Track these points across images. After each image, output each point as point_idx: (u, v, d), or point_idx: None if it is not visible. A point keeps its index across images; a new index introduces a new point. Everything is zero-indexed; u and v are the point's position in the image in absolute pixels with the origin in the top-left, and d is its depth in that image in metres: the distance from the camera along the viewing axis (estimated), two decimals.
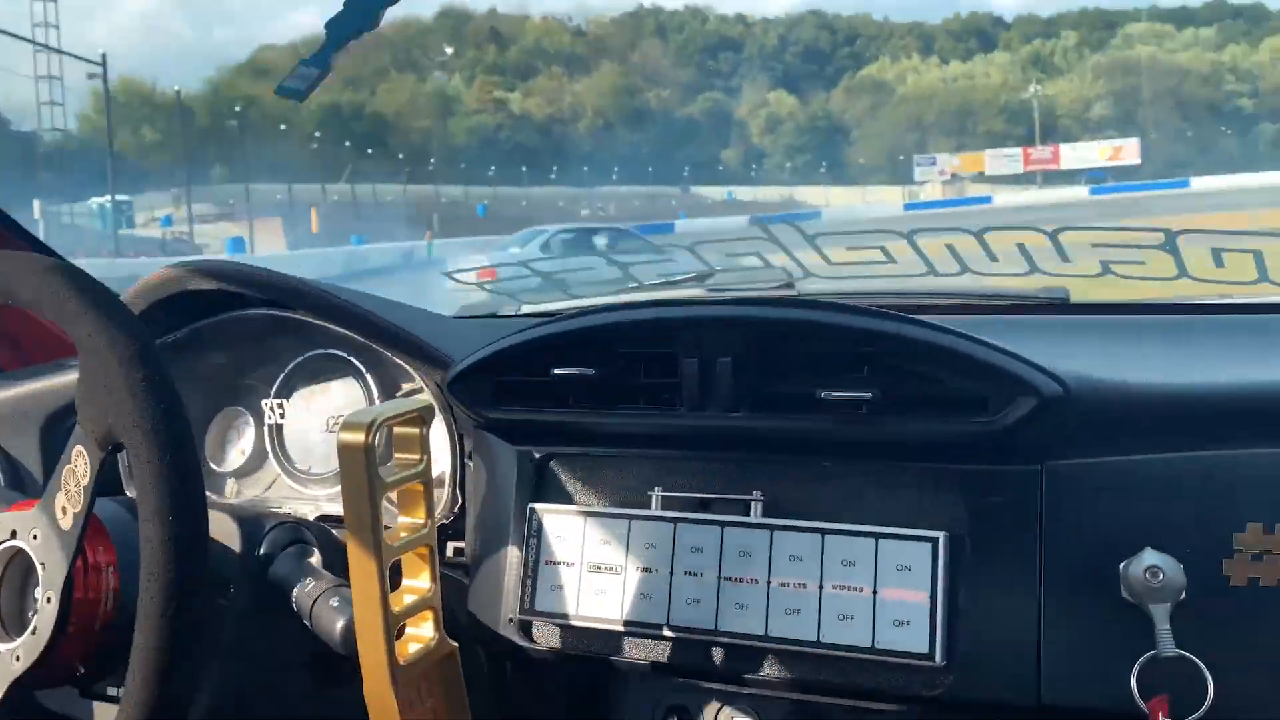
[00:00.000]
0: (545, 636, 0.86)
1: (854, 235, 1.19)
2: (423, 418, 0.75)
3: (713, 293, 1.32)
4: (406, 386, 1.08)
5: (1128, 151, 75.40)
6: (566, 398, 0.89)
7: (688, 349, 0.84)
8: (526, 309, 1.37)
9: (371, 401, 1.11)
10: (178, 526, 0.68)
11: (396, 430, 0.75)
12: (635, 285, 1.37)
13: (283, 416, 1.15)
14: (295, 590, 0.85)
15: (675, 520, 0.83)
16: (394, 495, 0.75)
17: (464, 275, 1.40)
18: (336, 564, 0.90)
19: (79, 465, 0.73)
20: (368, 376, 1.11)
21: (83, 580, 0.77)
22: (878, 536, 0.77)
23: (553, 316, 0.95)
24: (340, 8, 0.63)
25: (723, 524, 0.81)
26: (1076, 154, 78.93)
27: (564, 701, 1.00)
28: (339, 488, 1.09)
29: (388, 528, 0.72)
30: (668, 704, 0.93)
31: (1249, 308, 1.06)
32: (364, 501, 0.70)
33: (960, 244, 1.18)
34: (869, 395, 0.78)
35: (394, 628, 0.72)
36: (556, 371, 0.88)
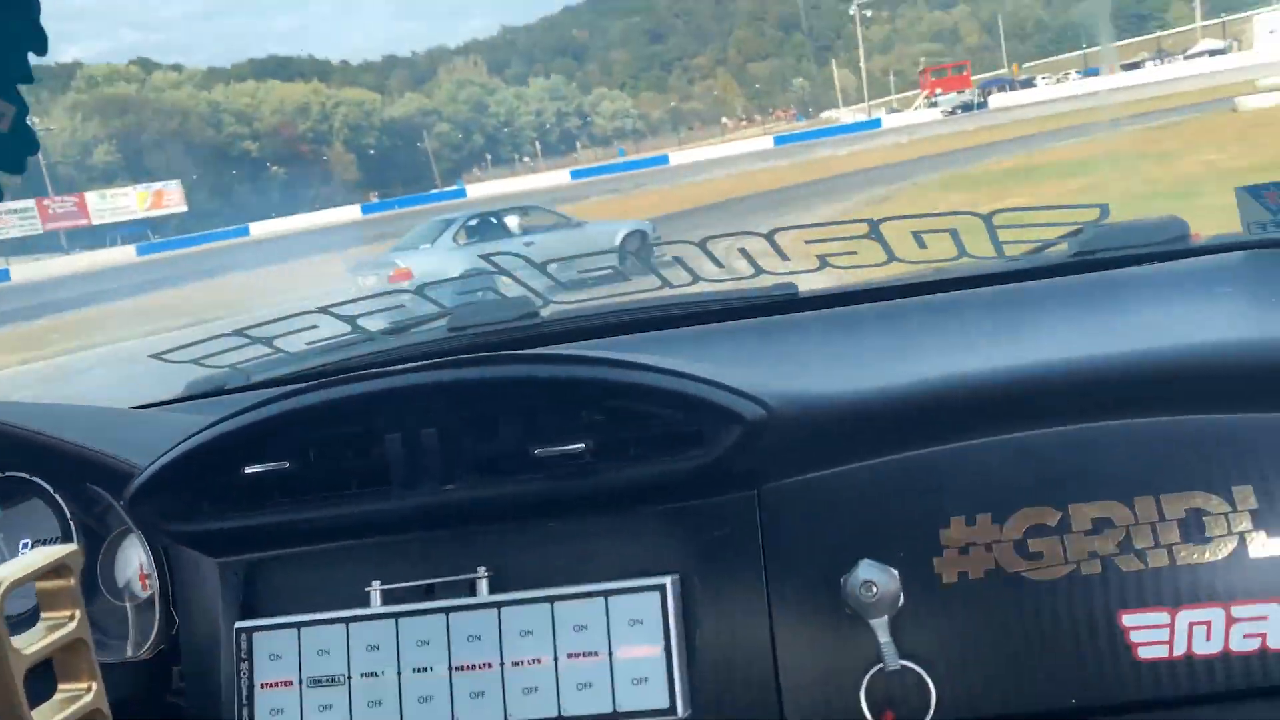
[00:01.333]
0: None
1: (583, 258, 1.16)
2: (68, 566, 0.65)
3: (452, 334, 1.25)
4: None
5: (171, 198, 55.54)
6: (263, 497, 0.81)
7: (389, 423, 0.77)
8: (257, 377, 1.26)
9: (67, 525, 0.98)
10: None
11: (39, 587, 0.64)
12: (365, 337, 1.28)
13: None
14: None
15: (396, 615, 0.76)
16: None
17: (173, 355, 1.26)
18: None
19: None
20: (56, 497, 0.97)
21: None
22: (606, 594, 0.73)
23: (264, 395, 0.86)
24: None
25: (447, 610, 0.76)
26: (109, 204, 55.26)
27: None
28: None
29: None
30: None
31: (950, 283, 1.11)
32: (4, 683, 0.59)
33: (686, 254, 1.18)
34: (582, 446, 0.74)
35: None
36: (248, 470, 0.79)
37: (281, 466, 0.79)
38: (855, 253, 1.13)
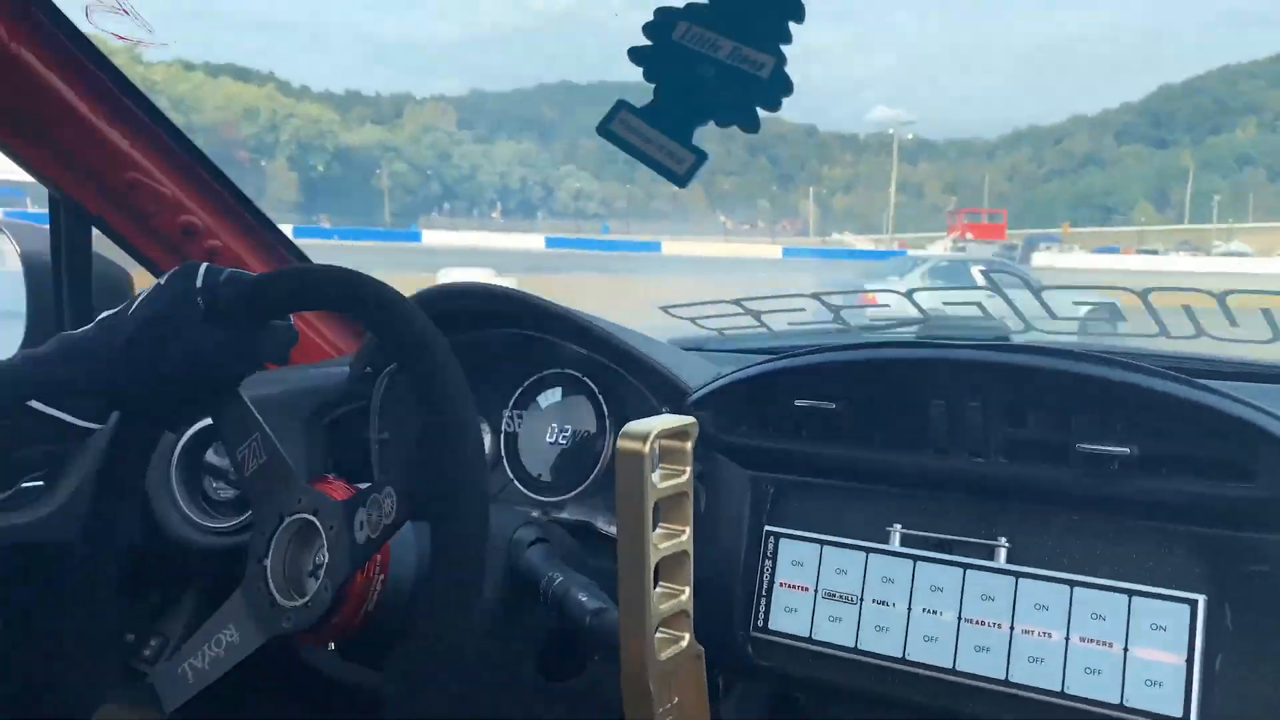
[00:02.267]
0: (775, 656, 0.90)
1: (1083, 290, 1.19)
2: (689, 433, 0.81)
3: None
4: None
5: None
6: (805, 429, 0.93)
7: (937, 390, 0.86)
8: (740, 345, 1.42)
9: (603, 420, 1.18)
10: (472, 545, 0.73)
11: (663, 444, 0.81)
12: (843, 329, 1.39)
13: (519, 427, 1.24)
14: (543, 582, 0.92)
15: (915, 558, 0.85)
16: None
17: (678, 310, 1.46)
18: (571, 562, 0.97)
19: (386, 504, 0.76)
20: (600, 397, 1.18)
21: (358, 579, 0.82)
22: (1131, 593, 0.76)
23: (776, 354, 0.99)
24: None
25: (965, 566, 0.83)
26: None
27: (775, 716, 1.02)
28: (564, 496, 1.17)
29: None
30: None
31: None
32: (638, 506, 0.76)
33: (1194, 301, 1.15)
34: (1127, 451, 0.78)
35: (655, 625, 0.77)
36: (799, 402, 0.92)
37: (829, 406, 0.91)
38: None
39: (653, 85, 0.70)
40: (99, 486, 0.87)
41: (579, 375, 1.21)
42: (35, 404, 0.73)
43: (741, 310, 1.45)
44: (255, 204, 1.35)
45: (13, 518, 1.18)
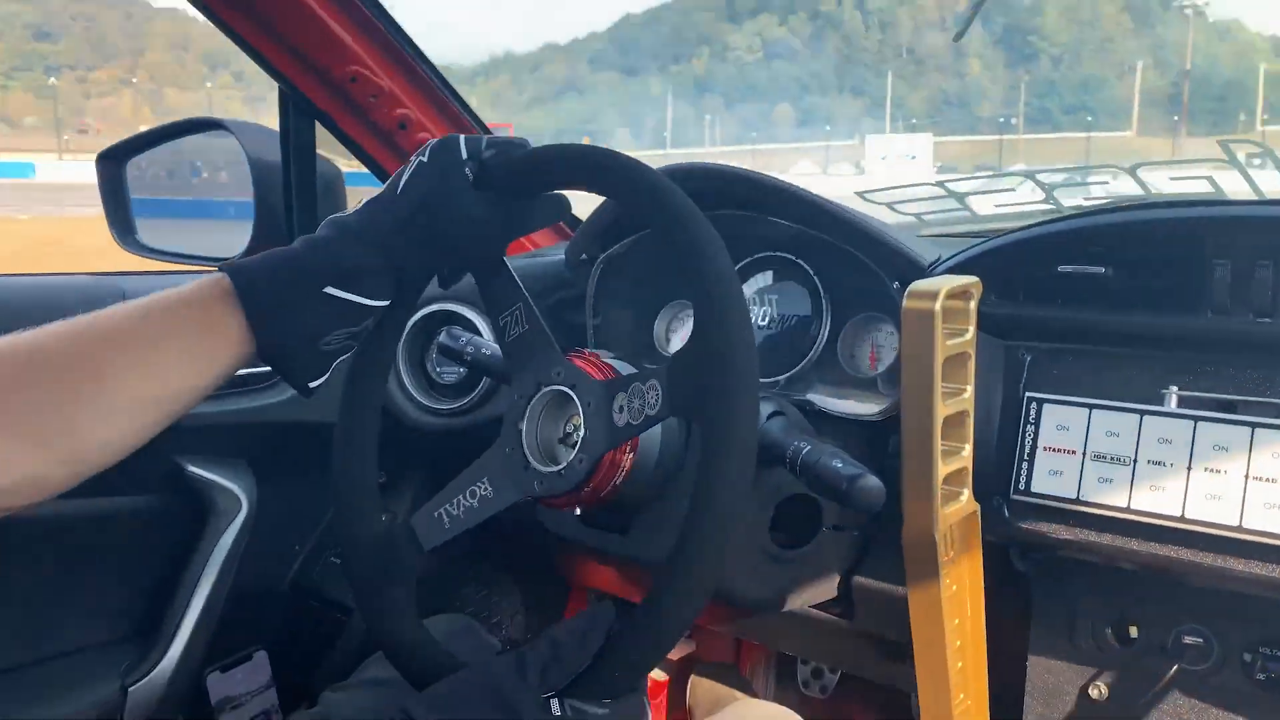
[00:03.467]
0: (1038, 517, 0.91)
1: None
2: (972, 293, 0.81)
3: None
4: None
5: None
6: (1065, 296, 0.92)
7: (1221, 250, 0.84)
8: (938, 230, 1.40)
9: (818, 302, 1.19)
10: (744, 451, 0.70)
11: (945, 305, 0.81)
12: (1055, 210, 1.35)
13: None
14: (789, 451, 0.93)
15: (1195, 418, 0.84)
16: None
17: (875, 195, 1.45)
18: (807, 434, 0.98)
19: (650, 396, 0.75)
20: (816, 279, 1.19)
21: (609, 457, 0.82)
22: None
23: (987, 235, 0.97)
24: None
25: (1253, 425, 0.81)
26: None
27: (999, 594, 1.03)
28: (779, 377, 1.19)
29: None
30: (1113, 614, 0.95)
31: None
32: (928, 363, 0.77)
33: None
34: None
35: (940, 480, 0.79)
36: (1063, 268, 0.91)
37: (1097, 271, 0.89)
38: None
39: None
40: (356, 365, 0.91)
41: (794, 259, 1.21)
42: (330, 289, 0.74)
43: (945, 193, 1.43)
44: (458, 93, 1.38)
45: (269, 397, 1.27)
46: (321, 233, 0.77)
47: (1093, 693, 0.96)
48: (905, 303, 0.78)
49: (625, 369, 0.88)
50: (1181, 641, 0.92)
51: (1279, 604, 0.86)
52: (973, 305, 0.81)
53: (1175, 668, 0.91)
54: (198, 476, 1.20)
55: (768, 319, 1.25)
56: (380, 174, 1.40)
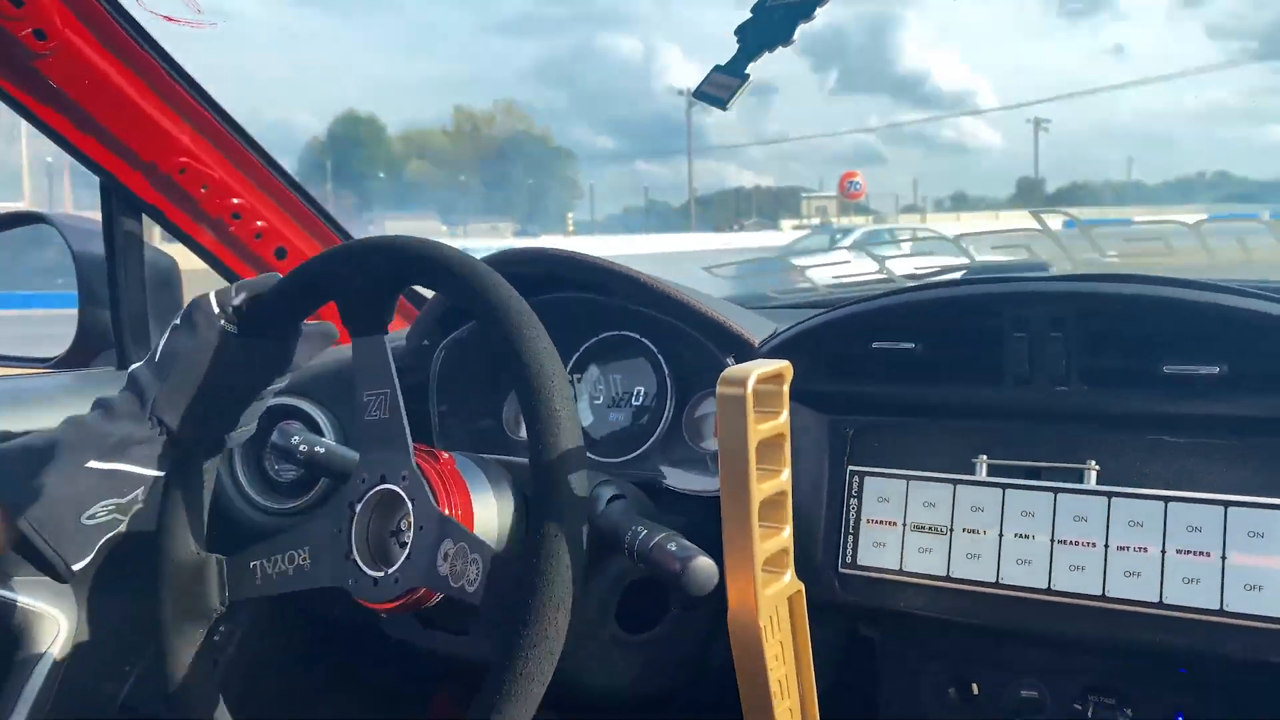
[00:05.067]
0: (865, 591, 0.92)
1: (1133, 226, 1.20)
2: (784, 376, 0.82)
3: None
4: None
5: None
6: (882, 371, 0.95)
7: (1017, 324, 0.88)
8: (783, 301, 1.44)
9: (663, 381, 1.20)
10: (569, 496, 0.74)
11: (758, 389, 0.82)
12: (888, 279, 1.41)
13: (578, 392, 1.25)
14: (627, 536, 0.93)
15: (1004, 486, 0.87)
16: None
17: (721, 270, 1.48)
18: (649, 516, 0.98)
19: (472, 571, 0.75)
20: (660, 357, 1.20)
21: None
22: (1227, 504, 0.78)
23: (827, 306, 1.00)
24: (750, 16, 0.69)
25: (1055, 490, 0.85)
26: None
27: (849, 660, 1.04)
28: (628, 456, 1.19)
29: None
30: (952, 674, 0.97)
31: None
32: (741, 448, 0.78)
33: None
34: (1215, 370, 0.80)
35: (760, 563, 0.79)
36: (877, 345, 0.94)
37: (908, 346, 0.92)
38: None
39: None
40: (163, 506, 0.86)
41: (637, 337, 1.22)
42: (93, 463, 0.75)
43: (787, 268, 1.47)
44: (299, 183, 1.36)
45: None
46: (89, 413, 0.79)
47: None
48: (718, 389, 0.79)
49: (475, 477, 0.86)
50: (1019, 696, 0.94)
51: (1097, 655, 0.89)
52: (785, 388, 0.82)
53: None
54: (4, 600, 1.11)
55: (615, 398, 1.26)
56: (219, 267, 1.36)
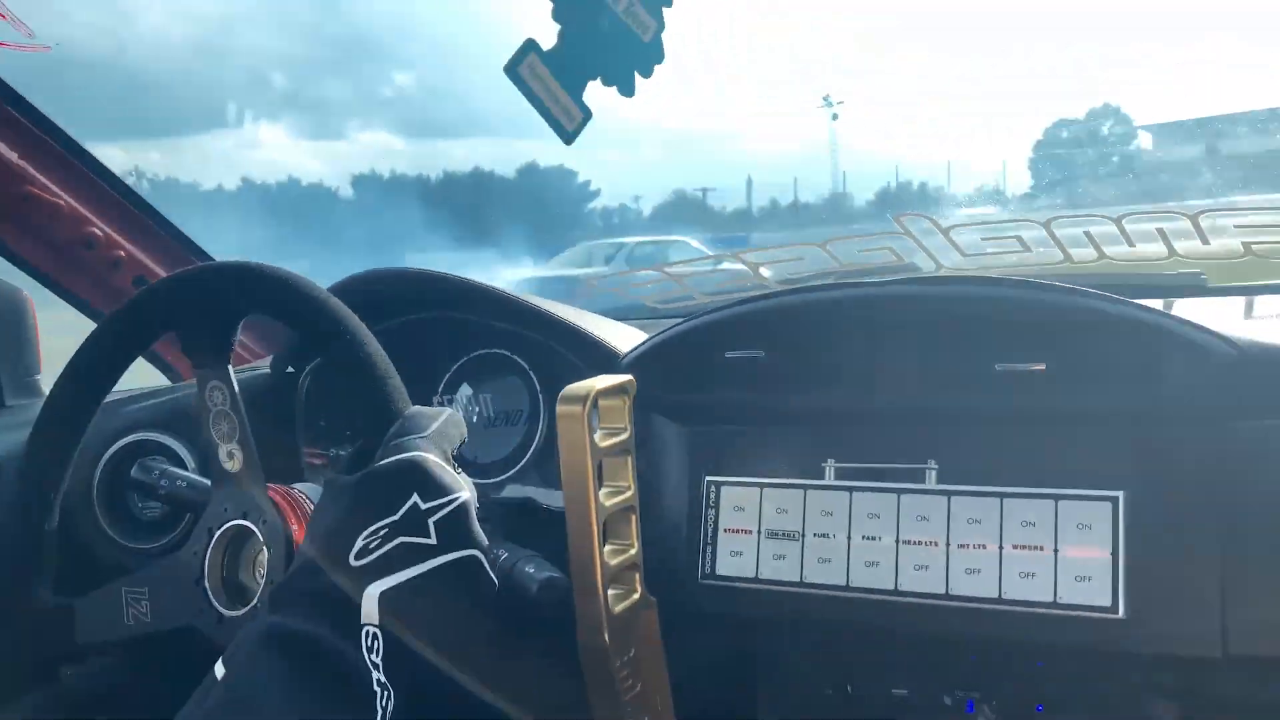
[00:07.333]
0: (725, 601, 0.92)
1: (989, 226, 1.23)
2: (627, 390, 0.82)
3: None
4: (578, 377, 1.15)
5: None
6: (736, 380, 0.95)
7: (854, 328, 0.89)
8: (663, 309, 1.44)
9: (535, 397, 1.19)
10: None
11: (602, 404, 0.82)
12: (760, 284, 1.42)
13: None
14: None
15: (850, 489, 0.88)
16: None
17: (599, 283, 1.47)
18: (514, 539, 0.97)
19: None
20: (531, 374, 1.19)
21: None
22: (1056, 498, 0.80)
23: (693, 313, 1.01)
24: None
25: (899, 491, 0.86)
26: None
27: (723, 669, 1.04)
28: (502, 476, 1.17)
29: None
30: (826, 676, 0.98)
31: None
32: (581, 466, 0.77)
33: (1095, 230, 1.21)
34: (1043, 366, 0.82)
35: (607, 580, 0.78)
36: (729, 354, 0.94)
37: (757, 355, 0.93)
38: None
39: (558, 27, 0.70)
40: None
41: (508, 354, 1.21)
42: None
43: (666, 276, 1.47)
44: (154, 207, 1.31)
45: None
46: None
47: None
48: (558, 406, 0.78)
49: None
50: (890, 694, 0.95)
51: (953, 653, 0.90)
52: (627, 403, 0.82)
53: None
54: None
55: (490, 418, 1.24)
56: (72, 300, 1.31)
